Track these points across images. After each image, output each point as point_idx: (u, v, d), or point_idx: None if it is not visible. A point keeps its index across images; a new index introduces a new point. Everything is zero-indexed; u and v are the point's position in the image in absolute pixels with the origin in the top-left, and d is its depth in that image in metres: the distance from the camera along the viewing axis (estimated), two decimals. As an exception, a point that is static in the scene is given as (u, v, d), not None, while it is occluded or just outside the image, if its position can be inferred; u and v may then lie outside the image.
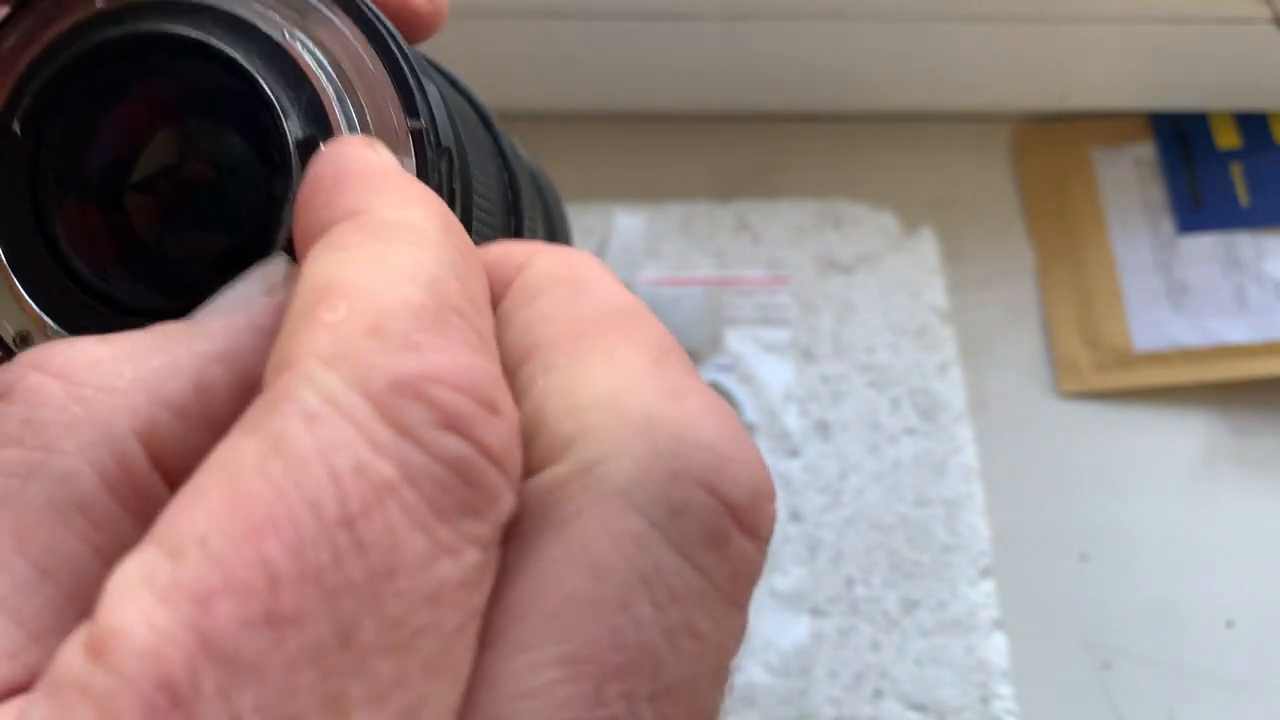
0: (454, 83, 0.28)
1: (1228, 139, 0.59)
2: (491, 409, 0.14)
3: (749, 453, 0.15)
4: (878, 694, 0.48)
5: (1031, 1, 0.55)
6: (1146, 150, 0.60)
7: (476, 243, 0.18)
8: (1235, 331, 0.55)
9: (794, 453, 0.52)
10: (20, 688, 0.13)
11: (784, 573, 0.50)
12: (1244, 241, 0.57)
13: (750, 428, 0.52)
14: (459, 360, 0.14)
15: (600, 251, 0.52)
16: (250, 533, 0.12)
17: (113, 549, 0.13)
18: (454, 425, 0.13)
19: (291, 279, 0.16)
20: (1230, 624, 0.51)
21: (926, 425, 0.53)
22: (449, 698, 0.13)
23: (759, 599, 0.49)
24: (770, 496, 0.15)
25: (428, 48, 0.25)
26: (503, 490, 0.14)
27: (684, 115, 0.61)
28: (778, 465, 0.52)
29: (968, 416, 0.53)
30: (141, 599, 0.12)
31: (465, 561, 0.13)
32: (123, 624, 0.12)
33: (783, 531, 0.50)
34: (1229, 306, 0.55)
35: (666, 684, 0.13)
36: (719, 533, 0.15)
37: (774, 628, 0.49)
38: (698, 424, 0.15)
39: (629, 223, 0.52)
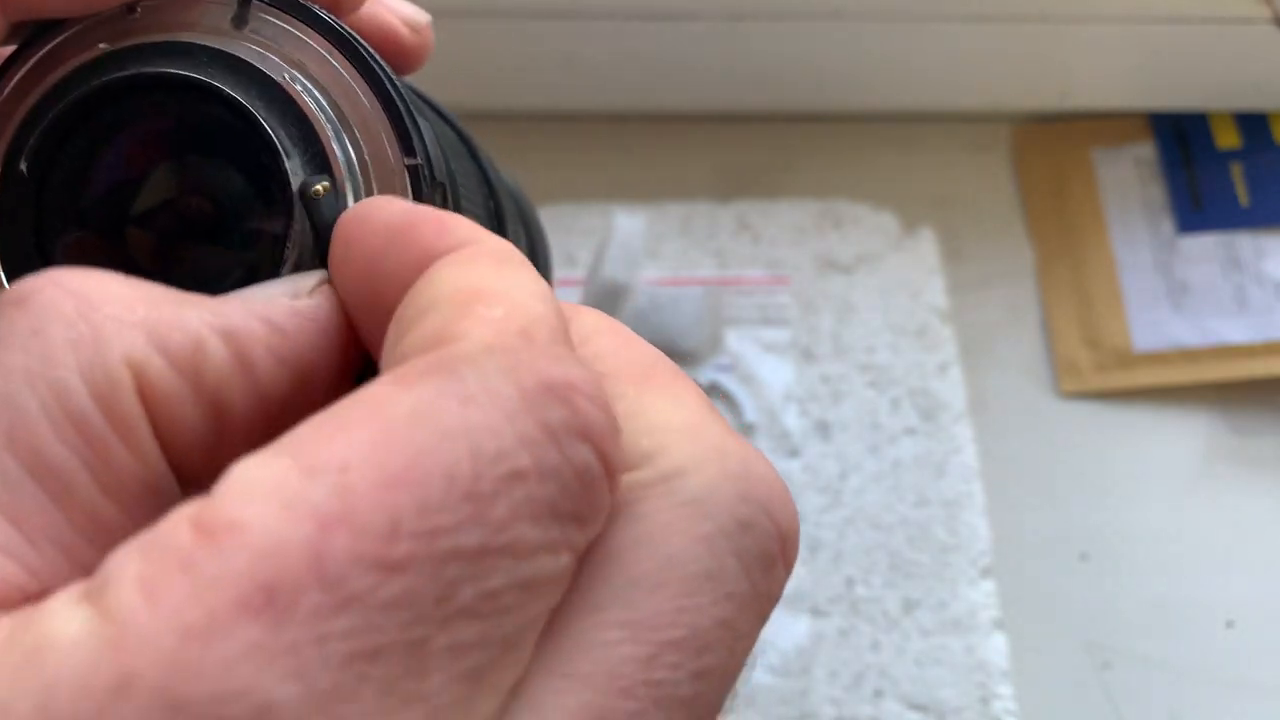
0: (439, 111, 0.28)
1: (1228, 139, 0.59)
2: (616, 428, 0.15)
3: (790, 495, 0.17)
4: (878, 694, 0.48)
5: (1031, 1, 0.55)
6: (1146, 150, 0.60)
7: None
8: (1235, 331, 0.55)
9: (794, 453, 0.52)
10: (21, 587, 0.14)
11: (784, 573, 0.50)
12: (1244, 241, 0.57)
13: (750, 428, 0.52)
14: (591, 376, 0.15)
15: (600, 251, 0.52)
16: (387, 480, 0.13)
17: (99, 463, 0.14)
18: (587, 435, 0.14)
19: (325, 294, 0.17)
20: (1230, 624, 0.51)
21: (926, 425, 0.53)
22: (515, 667, 0.14)
23: (759, 599, 0.49)
24: (799, 534, 0.17)
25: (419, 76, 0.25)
26: (607, 505, 0.15)
27: (684, 115, 0.61)
28: (778, 465, 0.52)
29: (968, 416, 0.53)
30: (268, 502, 0.13)
31: (561, 562, 0.14)
32: (243, 518, 0.12)
33: (783, 531, 0.51)
34: (1229, 306, 0.56)
35: (705, 666, 0.15)
36: (770, 554, 0.16)
37: (774, 628, 0.49)
38: (756, 460, 0.17)
39: (629, 223, 0.52)
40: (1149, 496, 0.53)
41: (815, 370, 0.54)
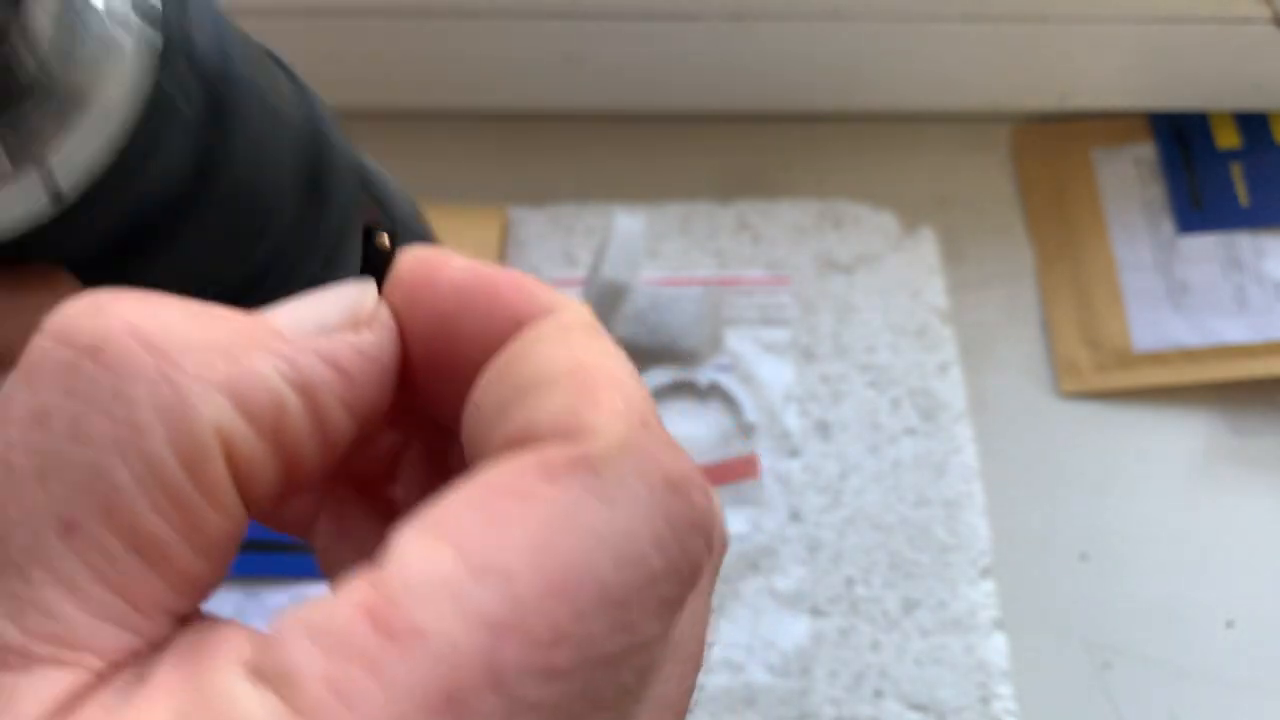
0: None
1: (1228, 139, 0.59)
2: (717, 514, 0.16)
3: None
4: (878, 694, 0.48)
5: (1031, 1, 0.55)
6: (1146, 150, 0.60)
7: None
8: (1235, 331, 0.55)
9: (794, 453, 0.52)
10: (135, 650, 0.14)
11: (784, 573, 0.50)
12: (1244, 241, 0.57)
13: (750, 428, 0.52)
14: (694, 466, 0.16)
15: (600, 251, 0.52)
16: (549, 588, 0.14)
17: (191, 529, 0.14)
18: (700, 527, 0.15)
19: (383, 331, 0.17)
20: (1230, 624, 0.51)
21: (926, 425, 0.53)
22: None
23: (759, 599, 0.49)
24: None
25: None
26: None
27: (684, 115, 0.61)
28: (778, 465, 0.52)
29: (968, 416, 0.53)
30: (443, 606, 0.13)
31: (663, 645, 0.15)
32: (424, 624, 0.13)
33: (783, 531, 0.50)
34: (1229, 306, 0.56)
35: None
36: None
37: (774, 628, 0.49)
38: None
39: (629, 223, 0.52)
40: (1149, 496, 0.53)
41: (815, 370, 0.54)
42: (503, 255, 0.56)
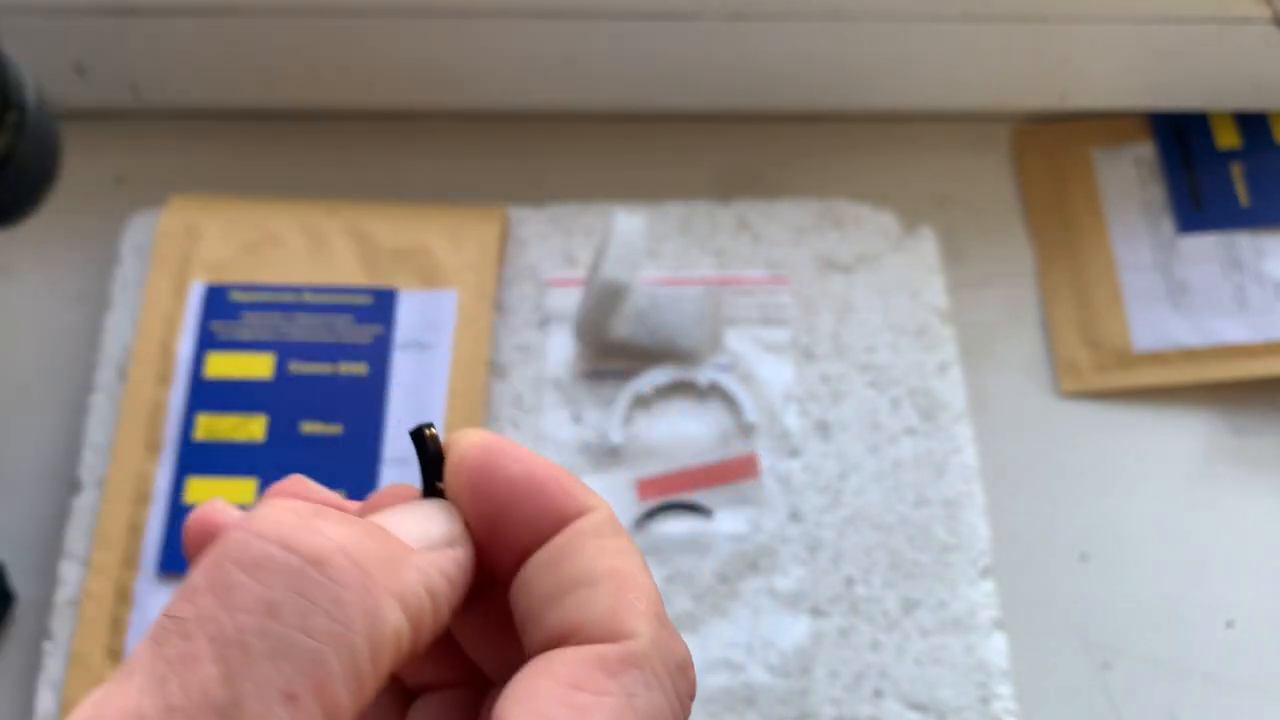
0: None
1: (1228, 139, 0.59)
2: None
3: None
4: (878, 694, 0.48)
5: (1031, 1, 0.55)
6: (1146, 150, 0.60)
7: None
8: (1235, 331, 0.55)
9: (794, 453, 0.52)
10: None
11: (784, 573, 0.50)
12: (1244, 241, 0.57)
13: (750, 427, 0.52)
14: (685, 646, 0.22)
15: (600, 251, 0.52)
16: None
17: (364, 699, 0.19)
18: (694, 695, 0.21)
19: (466, 544, 0.22)
20: (1230, 624, 0.51)
21: (926, 425, 0.53)
22: None
23: (759, 599, 0.49)
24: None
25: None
26: None
27: (684, 115, 0.61)
28: (778, 465, 0.52)
29: (968, 416, 0.53)
30: None
31: None
32: None
33: (783, 531, 0.51)
34: (1229, 306, 0.56)
35: None
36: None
37: (774, 628, 0.49)
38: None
39: (629, 223, 0.52)
40: (1149, 496, 0.53)
41: (815, 370, 0.54)
42: (502, 255, 0.56)
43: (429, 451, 0.23)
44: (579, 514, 0.22)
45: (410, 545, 0.21)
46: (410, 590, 0.20)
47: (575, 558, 0.21)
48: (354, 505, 0.23)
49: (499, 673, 0.23)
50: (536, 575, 0.21)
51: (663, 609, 0.22)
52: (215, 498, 0.23)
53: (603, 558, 0.21)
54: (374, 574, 0.19)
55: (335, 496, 0.23)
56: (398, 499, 0.23)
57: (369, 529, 0.20)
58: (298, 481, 0.23)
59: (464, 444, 0.22)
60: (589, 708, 0.19)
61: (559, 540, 0.22)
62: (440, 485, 0.23)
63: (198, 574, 0.18)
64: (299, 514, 0.19)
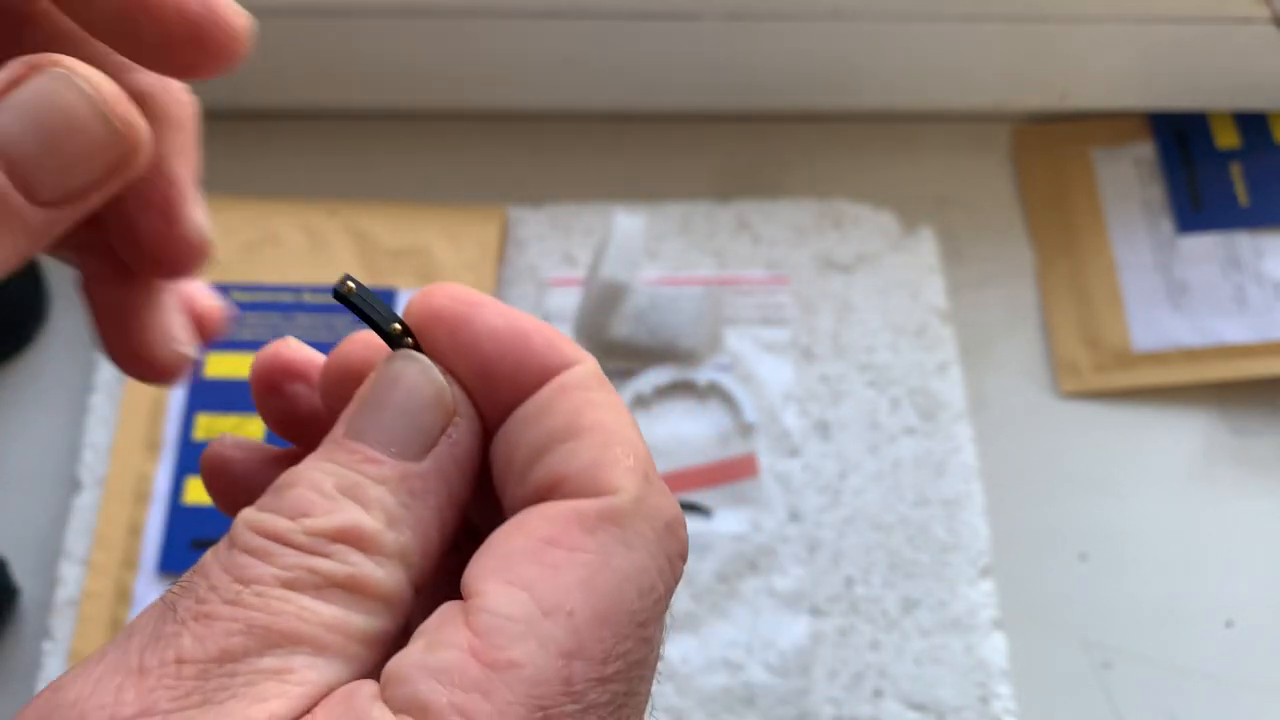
0: None
1: (1227, 139, 0.59)
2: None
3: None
4: (877, 693, 0.48)
5: (1031, 1, 0.55)
6: (1146, 150, 0.60)
7: None
8: (1235, 331, 0.55)
9: (794, 452, 0.52)
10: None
11: (783, 573, 0.50)
12: (1244, 241, 0.57)
13: (749, 427, 0.52)
14: (678, 502, 0.21)
15: (600, 251, 0.52)
16: (598, 619, 0.19)
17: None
18: (684, 555, 0.21)
19: (466, 416, 0.21)
20: (1230, 624, 0.51)
21: (926, 425, 0.53)
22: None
23: (758, 598, 0.49)
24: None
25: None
26: None
27: (684, 115, 0.61)
28: (777, 465, 0.52)
29: (968, 416, 0.53)
30: (528, 641, 0.18)
31: (661, 639, 0.20)
32: (517, 657, 0.18)
33: (783, 531, 0.50)
34: (1228, 306, 0.56)
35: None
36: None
37: (774, 627, 0.49)
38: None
39: (629, 223, 0.52)
40: (1149, 496, 0.53)
41: (815, 370, 0.54)
42: (502, 255, 0.56)
43: (374, 308, 0.21)
44: (564, 367, 0.21)
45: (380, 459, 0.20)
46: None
47: (558, 411, 0.20)
48: (325, 365, 0.22)
49: (486, 528, 0.23)
50: (518, 430, 0.21)
51: (652, 466, 0.21)
52: (287, 336, 0.23)
53: (588, 411, 0.20)
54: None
55: (318, 358, 0.23)
56: (366, 350, 0.22)
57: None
58: (285, 345, 0.23)
59: (438, 296, 0.21)
60: (561, 564, 0.19)
61: (542, 394, 0.21)
62: (410, 339, 0.21)
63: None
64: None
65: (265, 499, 0.20)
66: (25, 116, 0.19)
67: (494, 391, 0.21)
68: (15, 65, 0.19)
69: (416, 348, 0.21)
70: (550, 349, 0.21)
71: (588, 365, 0.21)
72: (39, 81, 0.19)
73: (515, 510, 0.20)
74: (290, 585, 0.18)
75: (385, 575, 0.19)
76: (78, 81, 0.19)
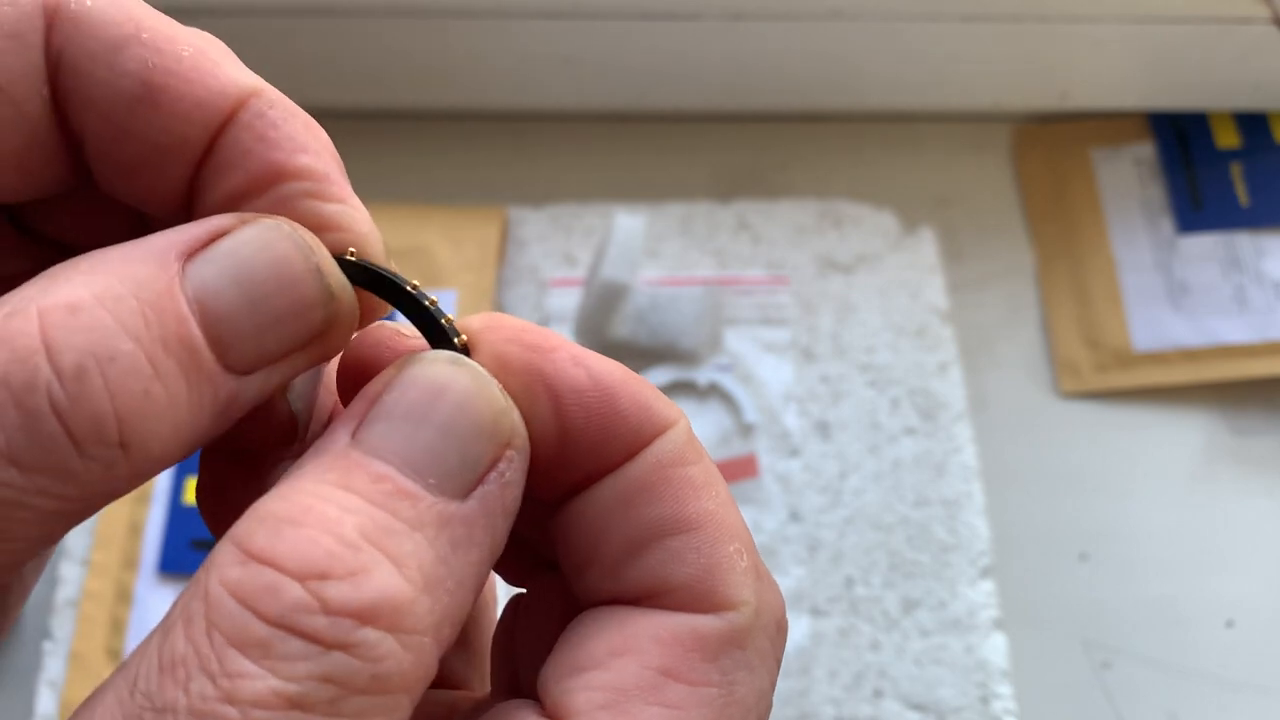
0: None
1: (1228, 139, 0.59)
2: None
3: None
4: (877, 694, 0.48)
5: (1031, 1, 0.55)
6: (1146, 150, 0.60)
7: None
8: (1235, 331, 0.55)
9: (794, 452, 0.52)
10: None
11: (784, 572, 0.50)
12: (1244, 241, 0.57)
13: (750, 427, 0.52)
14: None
15: (600, 251, 0.52)
16: None
17: None
18: (780, 665, 0.19)
19: (520, 448, 0.17)
20: (1230, 624, 0.51)
21: (926, 425, 0.53)
22: None
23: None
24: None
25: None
26: None
27: (684, 115, 0.61)
28: (777, 465, 0.52)
29: (968, 416, 0.53)
30: None
31: None
32: None
33: (783, 531, 0.50)
34: (1229, 306, 0.56)
35: None
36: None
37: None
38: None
39: (629, 223, 0.52)
40: (1149, 496, 0.53)
41: (815, 370, 0.54)
42: (503, 255, 0.56)
43: (428, 318, 0.18)
44: (655, 434, 0.17)
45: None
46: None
47: (660, 499, 0.17)
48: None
49: (516, 576, 0.20)
50: (607, 514, 0.17)
51: (757, 554, 0.18)
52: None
53: (693, 497, 0.17)
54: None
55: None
56: (391, 353, 0.18)
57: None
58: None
59: (496, 340, 0.18)
60: (685, 704, 0.16)
61: (636, 471, 0.17)
62: (461, 338, 0.18)
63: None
64: None
65: (257, 533, 0.15)
66: (231, 268, 0.16)
67: (569, 456, 0.17)
68: (224, 217, 0.17)
69: (465, 352, 0.17)
70: (640, 410, 0.17)
71: (680, 427, 0.18)
72: (249, 232, 0.17)
73: (598, 600, 0.17)
74: (300, 705, 0.14)
75: (414, 662, 0.15)
76: (292, 232, 0.17)
